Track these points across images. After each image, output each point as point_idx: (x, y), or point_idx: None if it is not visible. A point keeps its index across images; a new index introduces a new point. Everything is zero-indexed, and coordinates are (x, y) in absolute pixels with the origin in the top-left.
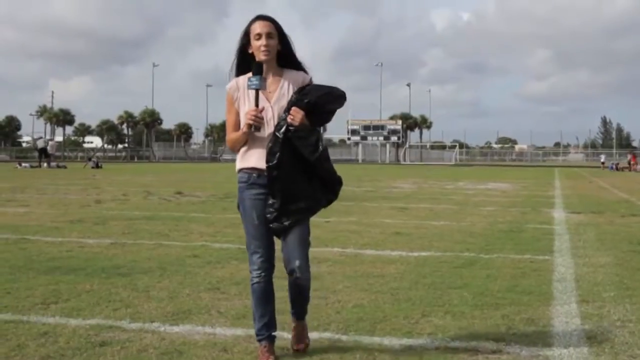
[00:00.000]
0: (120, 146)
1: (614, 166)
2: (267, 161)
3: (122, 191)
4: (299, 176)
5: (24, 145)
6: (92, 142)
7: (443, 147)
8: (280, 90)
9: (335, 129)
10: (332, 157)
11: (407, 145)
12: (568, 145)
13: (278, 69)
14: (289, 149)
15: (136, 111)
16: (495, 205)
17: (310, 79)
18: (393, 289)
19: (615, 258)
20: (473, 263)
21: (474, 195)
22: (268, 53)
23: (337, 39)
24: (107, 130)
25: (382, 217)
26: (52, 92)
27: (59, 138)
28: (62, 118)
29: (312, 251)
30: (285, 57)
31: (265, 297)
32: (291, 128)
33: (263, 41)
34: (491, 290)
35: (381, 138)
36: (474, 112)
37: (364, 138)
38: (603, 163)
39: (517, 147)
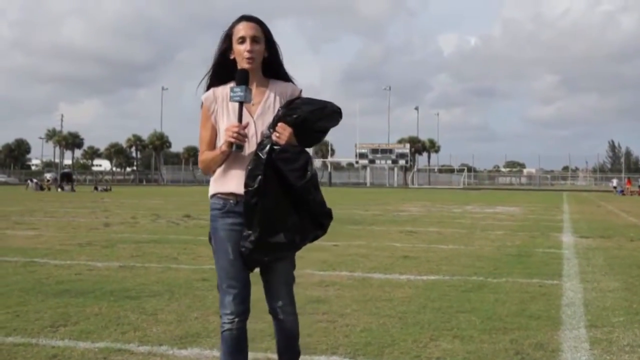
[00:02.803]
0: (128, 169)
1: (622, 191)
2: (246, 185)
3: (131, 214)
4: (284, 205)
5: (33, 168)
6: (100, 165)
7: (451, 171)
8: (265, 103)
9: (343, 152)
10: (340, 181)
11: (415, 169)
12: (576, 169)
13: (263, 79)
14: (273, 172)
15: (145, 134)
16: (504, 229)
17: (300, 92)
18: (401, 313)
19: (625, 283)
20: (481, 287)
21: (482, 219)
22: (252, 60)
23: (345, 63)
24: (116, 153)
25: (390, 241)
26: (62, 116)
27: (67, 161)
28: (71, 141)
29: (321, 275)
30: (272, 67)
31: (237, 347)
32: (276, 147)
33: (247, 46)
34: (499, 314)
35: (389, 161)
36: (482, 136)
37: (372, 161)
38: (615, 187)
39: (525, 170)
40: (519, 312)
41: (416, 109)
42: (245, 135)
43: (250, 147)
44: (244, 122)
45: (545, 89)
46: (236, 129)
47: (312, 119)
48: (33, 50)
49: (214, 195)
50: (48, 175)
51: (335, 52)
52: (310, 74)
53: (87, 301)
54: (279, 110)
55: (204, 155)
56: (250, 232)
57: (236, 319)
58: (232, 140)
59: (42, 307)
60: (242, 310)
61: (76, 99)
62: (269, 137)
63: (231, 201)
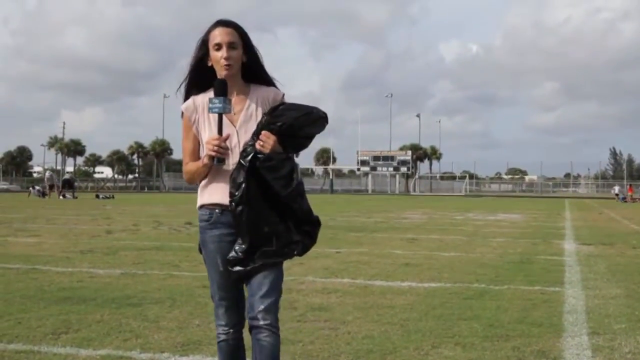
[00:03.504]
0: (130, 176)
1: (624, 198)
2: (231, 194)
3: (133, 221)
4: (270, 213)
5: (35, 175)
6: (102, 173)
7: (453, 178)
8: (247, 111)
9: (345, 160)
10: (342, 187)
11: (416, 176)
12: (578, 176)
13: (244, 85)
14: (257, 180)
15: (147, 141)
16: (506, 237)
17: (283, 96)
18: (403, 320)
19: (627, 290)
20: (483, 294)
21: (483, 226)
22: (230, 67)
23: (346, 70)
24: (118, 160)
25: (392, 248)
26: (64, 123)
27: (69, 168)
28: (73, 148)
29: (323, 282)
30: (252, 71)
31: (233, 357)
32: (260, 156)
33: (224, 52)
34: (501, 321)
35: (391, 169)
36: (483, 143)
37: (373, 169)
38: (617, 194)
39: (527, 178)
40: (520, 320)
41: (418, 116)
42: (226, 148)
43: (234, 158)
44: (224, 133)
45: (546, 96)
46: (216, 142)
47: (297, 126)
48: (35, 58)
49: (201, 207)
50: (47, 174)
51: (336, 59)
52: (311, 81)
53: (89, 308)
54: (262, 117)
55: (188, 167)
56: (241, 243)
57: (231, 330)
58: (213, 154)
59: (44, 314)
60: (237, 321)
61: (78, 106)
62: (253, 145)
63: (217, 211)
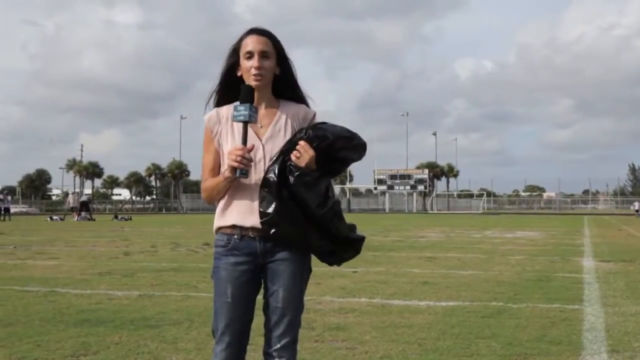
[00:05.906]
0: (148, 198)
1: None
2: (261, 215)
3: (151, 243)
4: (307, 233)
5: (53, 198)
6: (120, 195)
7: (470, 196)
8: (275, 126)
9: (362, 179)
10: (359, 207)
11: (434, 194)
12: (597, 193)
13: (273, 100)
14: (291, 197)
15: (164, 163)
16: (524, 254)
17: (314, 115)
18: (421, 339)
19: None
20: (501, 313)
21: (502, 244)
22: (260, 77)
23: (362, 90)
24: (135, 182)
25: (410, 267)
26: (82, 146)
27: (87, 190)
28: (91, 171)
29: (340, 301)
30: (285, 85)
31: None
32: (293, 169)
33: (255, 62)
34: (520, 340)
35: (408, 187)
36: (500, 161)
37: (390, 187)
38: (637, 211)
39: (545, 195)
40: (539, 338)
41: (434, 134)
42: (250, 159)
43: (257, 173)
44: (249, 144)
45: (561, 113)
46: (240, 152)
47: (337, 147)
48: (53, 81)
49: (217, 231)
50: (84, 197)
51: (351, 79)
52: (327, 101)
53: (107, 330)
54: (302, 130)
55: (207, 183)
56: None
57: None
58: (235, 164)
59: (63, 337)
60: None
61: (96, 128)
62: (282, 157)
63: (235, 236)
